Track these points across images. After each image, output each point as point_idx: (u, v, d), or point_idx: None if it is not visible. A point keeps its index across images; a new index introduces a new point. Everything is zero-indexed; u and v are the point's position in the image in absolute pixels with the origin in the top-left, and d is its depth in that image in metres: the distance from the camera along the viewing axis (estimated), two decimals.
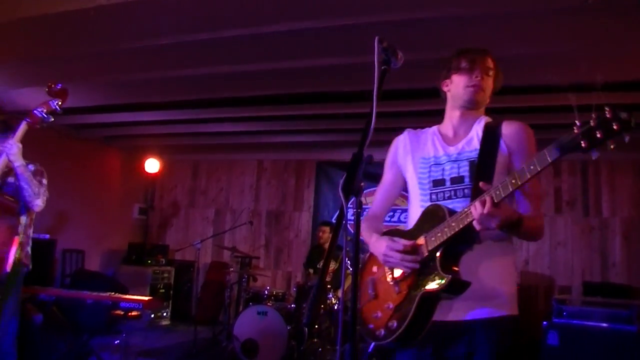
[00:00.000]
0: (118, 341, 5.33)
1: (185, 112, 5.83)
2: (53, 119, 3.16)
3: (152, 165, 8.03)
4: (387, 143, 2.04)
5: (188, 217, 8.43)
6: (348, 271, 4.11)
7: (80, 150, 7.42)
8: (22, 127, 3.11)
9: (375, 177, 1.98)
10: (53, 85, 3.14)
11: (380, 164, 2.00)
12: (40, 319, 4.71)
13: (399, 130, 2.02)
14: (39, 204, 3.19)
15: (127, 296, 4.46)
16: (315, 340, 5.14)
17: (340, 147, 6.53)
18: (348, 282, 3.31)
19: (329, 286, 5.03)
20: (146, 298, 4.28)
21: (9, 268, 2.84)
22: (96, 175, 7.73)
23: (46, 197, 3.29)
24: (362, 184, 1.50)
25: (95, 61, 4.25)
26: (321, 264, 1.86)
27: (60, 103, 3.12)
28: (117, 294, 4.46)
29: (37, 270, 5.86)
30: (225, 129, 6.47)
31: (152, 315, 7.15)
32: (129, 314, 4.51)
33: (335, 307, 4.97)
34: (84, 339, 4.70)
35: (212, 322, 6.72)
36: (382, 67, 1.61)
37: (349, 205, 1.48)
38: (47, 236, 6.40)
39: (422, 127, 1.97)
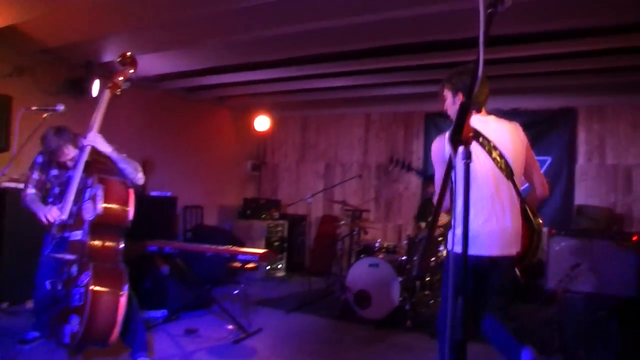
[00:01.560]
0: (237, 291, 5.66)
1: (294, 70, 5.78)
2: (129, 85, 3.38)
3: (263, 122, 8.14)
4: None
5: (299, 172, 8.54)
6: None
7: (195, 111, 7.66)
8: (106, 96, 3.31)
9: None
10: (126, 56, 3.40)
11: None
12: (167, 270, 5.16)
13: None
14: (141, 177, 3.35)
15: (244, 249, 4.59)
16: (427, 292, 5.14)
17: None
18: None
19: (439, 239, 4.94)
20: (262, 251, 4.38)
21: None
22: (211, 135, 7.96)
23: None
24: (470, 134, 1.53)
25: (210, 23, 4.39)
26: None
27: (133, 71, 3.37)
28: (234, 247, 4.62)
29: (162, 225, 6.59)
30: (333, 84, 6.36)
31: (268, 267, 7.34)
32: (246, 266, 4.84)
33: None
34: (206, 288, 5.06)
35: (325, 274, 6.83)
36: (488, 11, 1.58)
37: (457, 156, 1.54)
38: (169, 193, 6.82)
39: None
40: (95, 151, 3.28)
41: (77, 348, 3.03)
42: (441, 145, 2.62)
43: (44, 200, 3.54)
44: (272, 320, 4.96)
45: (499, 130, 2.65)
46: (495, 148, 2.60)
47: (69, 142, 3.38)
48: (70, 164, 3.42)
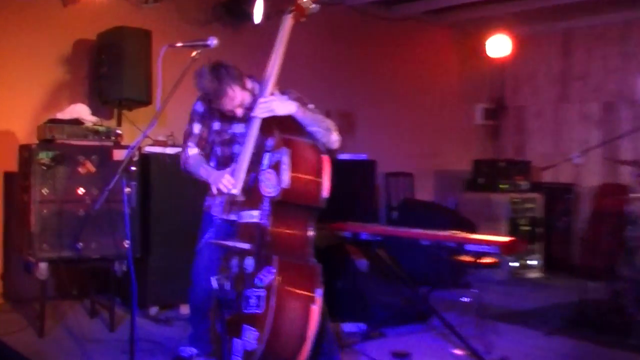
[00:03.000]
0: (467, 298, 5.51)
1: None
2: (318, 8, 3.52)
3: (500, 45, 8.10)
4: None
5: (558, 118, 8.44)
6: None
7: (397, 34, 7.90)
8: (287, 26, 3.45)
9: None
10: None
11: None
12: (365, 265, 5.23)
13: None
14: (336, 137, 3.48)
15: (476, 236, 4.59)
16: None
17: None
18: None
19: None
20: (504, 239, 4.37)
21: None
22: (421, 68, 8.17)
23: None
24: None
25: None
26: None
27: None
28: (461, 232, 4.61)
29: (356, 202, 6.70)
30: None
31: (514, 264, 7.29)
32: (480, 260, 4.64)
33: None
34: (420, 293, 5.03)
35: (607, 275, 6.45)
36: None
37: None
38: (365, 156, 6.96)
39: None
40: None
41: None
42: None
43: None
44: (523, 345, 4.84)
45: None
46: None
47: (233, 81, 3.50)
48: (239, 112, 3.56)
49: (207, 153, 3.81)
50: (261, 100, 3.38)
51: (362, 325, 4.94)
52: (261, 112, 3.36)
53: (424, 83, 8.16)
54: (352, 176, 6.73)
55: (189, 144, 3.75)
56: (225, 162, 3.68)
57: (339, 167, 6.44)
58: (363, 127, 7.53)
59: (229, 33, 6.21)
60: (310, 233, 3.28)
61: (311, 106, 3.51)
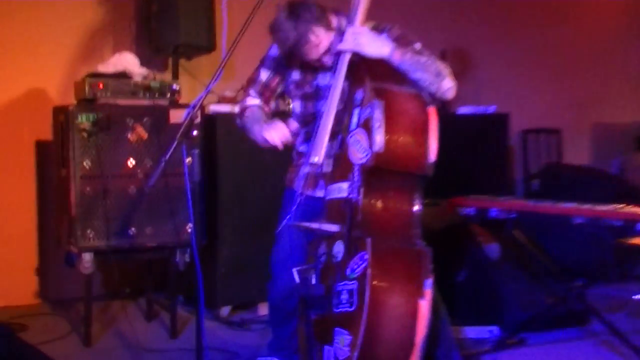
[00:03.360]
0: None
1: None
2: None
3: None
4: None
5: None
6: None
7: None
8: None
9: None
10: None
11: None
12: (496, 251, 5.26)
13: None
14: (450, 85, 3.45)
15: None
16: None
17: None
18: None
19: None
20: None
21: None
22: None
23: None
24: None
25: None
26: None
27: None
28: (630, 206, 4.54)
29: (483, 168, 6.67)
30: None
31: None
32: None
33: None
34: (573, 287, 4.96)
35: None
36: None
37: None
38: (494, 109, 6.94)
39: None
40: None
41: None
42: None
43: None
44: None
45: None
46: None
47: (316, 23, 3.49)
48: (326, 60, 3.58)
49: (282, 110, 3.89)
50: (349, 30, 3.40)
51: (495, 330, 4.97)
52: (348, 44, 3.39)
53: (572, 11, 8.06)
54: (476, 136, 6.74)
55: (250, 91, 3.85)
56: (306, 121, 3.75)
57: (458, 125, 6.59)
58: (489, 69, 7.48)
59: None
60: (415, 208, 3.28)
61: (417, 46, 3.51)
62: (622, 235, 4.66)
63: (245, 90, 3.90)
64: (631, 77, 8.47)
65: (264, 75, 3.84)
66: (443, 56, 3.60)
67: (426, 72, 3.39)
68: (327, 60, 3.56)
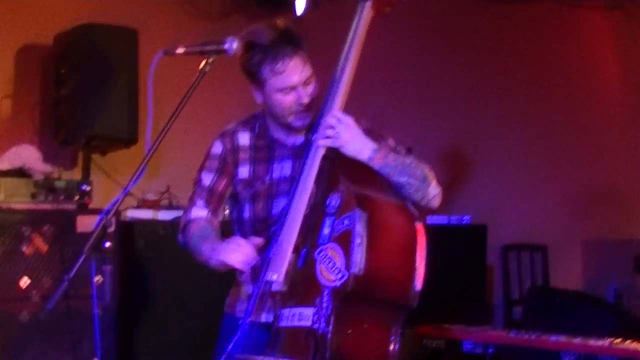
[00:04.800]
0: None
1: None
2: None
3: None
4: None
5: None
6: None
7: (523, 29, 8.18)
8: (364, 19, 3.48)
9: None
10: None
11: None
12: None
13: None
14: (435, 191, 3.40)
15: None
16: None
17: None
18: None
19: None
20: None
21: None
22: (559, 71, 8.33)
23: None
24: None
25: None
26: None
27: None
28: (629, 340, 4.61)
29: (455, 292, 6.61)
30: None
31: None
32: None
33: None
34: None
35: None
36: None
37: None
38: (468, 218, 6.97)
39: None
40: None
41: None
42: None
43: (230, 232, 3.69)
44: None
45: None
46: None
47: (304, 49, 3.48)
48: (304, 101, 3.47)
49: (233, 215, 3.74)
50: (330, 118, 3.35)
51: None
52: (325, 138, 3.33)
53: (566, 105, 8.24)
54: (448, 251, 6.70)
55: (196, 200, 3.68)
56: (256, 229, 3.60)
57: (426, 237, 6.48)
58: (466, 172, 7.54)
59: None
60: (393, 347, 3.12)
61: (392, 142, 3.48)
62: None
63: (189, 199, 3.74)
64: (627, 181, 8.60)
65: (207, 178, 3.68)
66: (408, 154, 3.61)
67: (412, 177, 3.34)
68: (303, 115, 3.45)
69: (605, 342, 4.53)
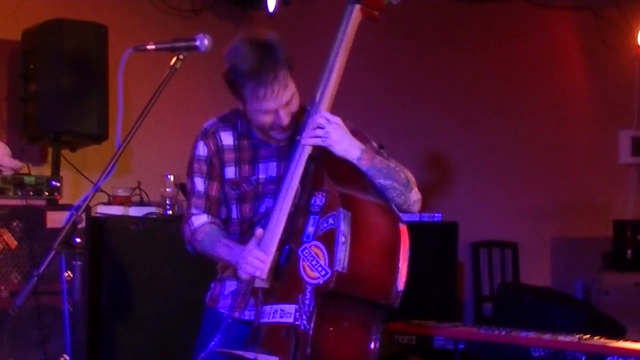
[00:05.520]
0: None
1: None
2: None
3: None
4: None
5: None
6: None
7: (495, 32, 8.20)
8: (353, 23, 3.51)
9: None
10: None
11: None
12: None
13: None
14: (417, 196, 3.47)
15: (624, 344, 4.60)
16: None
17: None
18: None
19: None
20: None
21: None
22: (528, 73, 8.37)
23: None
24: None
25: None
26: None
27: None
28: (598, 336, 4.67)
29: (425, 289, 6.47)
30: None
31: None
32: None
33: None
34: None
35: None
36: None
37: None
38: (439, 216, 6.94)
39: None
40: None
41: None
42: None
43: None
44: None
45: None
46: None
47: (285, 65, 3.46)
48: (284, 121, 3.48)
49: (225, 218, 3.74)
50: (319, 118, 3.36)
51: None
52: (314, 137, 3.34)
53: (534, 105, 8.26)
54: (419, 248, 6.54)
55: (192, 210, 3.67)
56: (244, 227, 3.63)
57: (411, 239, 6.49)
58: (437, 171, 7.55)
59: (227, 27, 6.20)
60: (373, 345, 3.23)
61: (375, 144, 3.51)
62: None
63: (186, 209, 3.76)
64: (594, 183, 8.68)
65: (200, 184, 3.68)
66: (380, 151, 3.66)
67: (396, 181, 3.40)
68: (282, 131, 3.49)
69: (574, 337, 4.60)
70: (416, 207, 3.50)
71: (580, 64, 8.65)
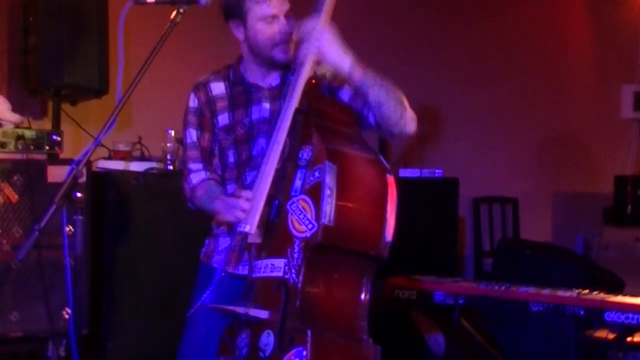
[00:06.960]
0: None
1: None
2: None
3: None
4: None
5: None
6: None
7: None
8: None
9: None
10: None
11: None
12: (441, 342, 5.29)
13: None
14: (412, 115, 3.47)
15: (623, 298, 4.61)
16: None
17: None
18: None
19: None
20: None
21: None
22: (531, 35, 8.38)
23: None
24: None
25: None
26: None
27: None
28: (597, 292, 4.67)
29: (426, 244, 6.65)
30: None
31: None
32: (630, 338, 4.69)
33: None
34: None
35: None
36: None
37: None
38: (440, 172, 6.95)
39: None
40: (314, 82, 3.42)
41: None
42: None
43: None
44: None
45: None
46: None
47: None
48: (280, 56, 3.54)
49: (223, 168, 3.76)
50: (310, 23, 3.38)
51: None
52: (308, 44, 3.36)
53: (536, 59, 8.25)
54: (420, 204, 6.71)
55: (189, 165, 3.73)
56: (241, 170, 3.65)
57: (398, 190, 6.50)
58: (437, 127, 7.56)
59: None
60: (364, 296, 3.21)
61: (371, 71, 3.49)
62: (587, 327, 4.78)
63: (184, 165, 3.80)
64: (596, 138, 8.69)
65: (192, 135, 3.72)
66: None
67: (390, 91, 3.44)
68: (282, 54, 3.52)
69: (573, 292, 4.59)
70: (412, 126, 3.50)
71: (583, 18, 8.62)
